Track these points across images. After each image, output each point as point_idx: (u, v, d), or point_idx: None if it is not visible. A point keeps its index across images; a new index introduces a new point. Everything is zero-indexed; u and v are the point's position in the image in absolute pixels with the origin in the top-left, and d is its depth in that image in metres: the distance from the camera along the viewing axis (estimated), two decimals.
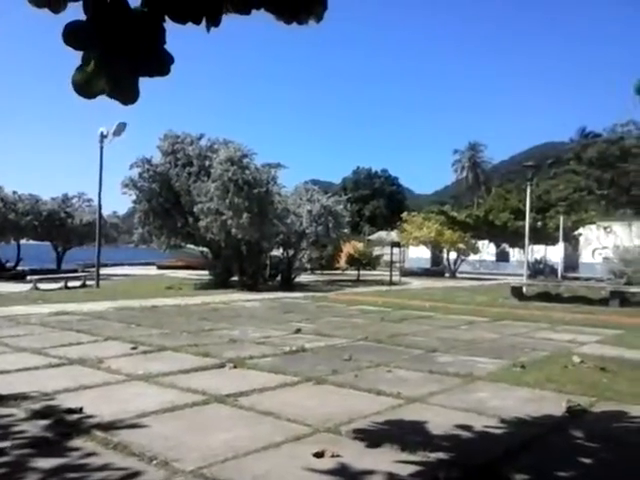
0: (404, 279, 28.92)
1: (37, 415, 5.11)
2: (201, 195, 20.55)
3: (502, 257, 42.57)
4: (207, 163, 21.45)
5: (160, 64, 2.66)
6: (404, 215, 38.13)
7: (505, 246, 39.52)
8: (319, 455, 4.17)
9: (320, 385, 6.44)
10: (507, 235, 34.35)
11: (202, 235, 21.23)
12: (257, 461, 4.14)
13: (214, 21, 2.75)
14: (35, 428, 4.78)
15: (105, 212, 28.68)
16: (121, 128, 22.00)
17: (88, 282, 22.43)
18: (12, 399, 5.57)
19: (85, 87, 2.53)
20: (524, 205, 24.06)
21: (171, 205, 22.03)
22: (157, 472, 3.93)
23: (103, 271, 23.91)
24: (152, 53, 2.62)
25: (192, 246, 25.14)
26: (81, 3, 2.44)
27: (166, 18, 2.55)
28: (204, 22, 2.66)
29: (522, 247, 26.34)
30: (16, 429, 4.76)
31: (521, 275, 24.04)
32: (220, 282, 21.79)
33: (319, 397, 5.97)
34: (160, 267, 35.56)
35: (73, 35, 2.45)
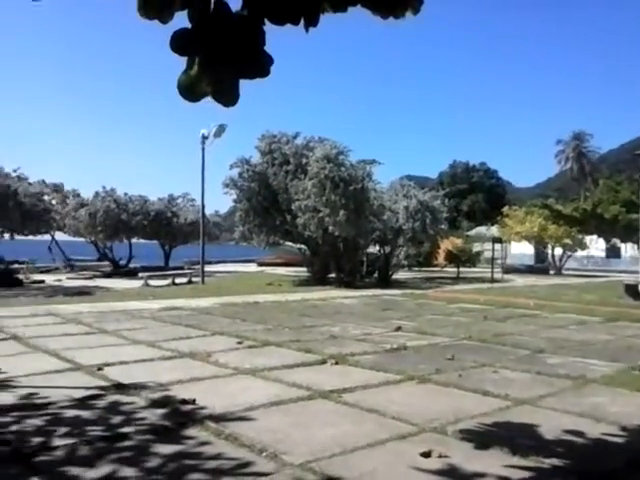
0: (506, 276, 27.96)
1: (155, 404, 5.44)
2: (298, 193, 20.92)
3: (612, 253, 40.12)
4: (303, 161, 21.80)
5: (260, 66, 2.73)
6: (505, 209, 36.81)
7: (616, 241, 37.21)
8: (426, 455, 4.13)
9: (423, 384, 6.38)
10: (618, 229, 32.29)
11: (300, 232, 21.62)
12: (364, 458, 4.16)
13: (312, 21, 2.79)
14: (154, 416, 5.08)
15: (208, 211, 29.91)
16: (221, 130, 22.84)
17: (193, 279, 23.50)
18: (132, 388, 5.96)
19: (189, 91, 2.66)
20: (637, 197, 22.49)
21: (269, 203, 22.61)
22: (267, 464, 4.05)
23: (207, 268, 24.93)
24: (253, 55, 2.70)
25: (290, 243, 25.65)
26: (186, 12, 2.56)
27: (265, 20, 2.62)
28: (302, 22, 2.72)
29: (636, 242, 24.64)
30: (137, 416, 5.09)
31: (635, 272, 22.50)
32: (318, 279, 22.09)
33: (423, 396, 5.91)
34: (260, 264, 36.59)
35: (179, 42, 2.58)
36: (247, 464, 4.04)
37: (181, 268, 29.17)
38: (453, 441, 4.50)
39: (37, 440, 4.48)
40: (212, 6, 2.56)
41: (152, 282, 21.74)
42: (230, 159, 23.11)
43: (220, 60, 2.61)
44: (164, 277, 23.38)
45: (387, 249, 24.01)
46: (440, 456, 4.11)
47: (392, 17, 2.94)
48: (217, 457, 4.16)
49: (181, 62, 2.60)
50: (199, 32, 2.57)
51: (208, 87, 2.66)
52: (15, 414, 5.11)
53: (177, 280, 22.75)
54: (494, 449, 4.30)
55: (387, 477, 3.87)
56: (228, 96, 2.73)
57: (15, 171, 21.64)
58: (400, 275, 25.70)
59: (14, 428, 4.76)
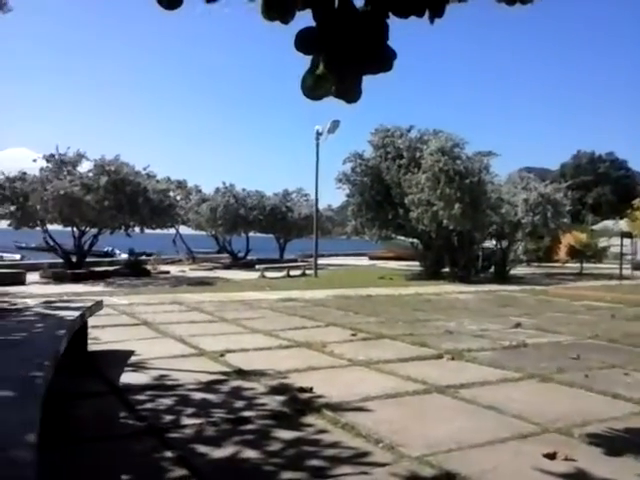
0: (636, 273, 25.95)
1: (274, 391, 5.63)
2: (412, 187, 20.69)
3: None
4: (417, 154, 21.51)
5: (385, 61, 2.71)
6: (636, 202, 34.07)
7: None
8: (550, 456, 3.95)
9: (545, 383, 6.09)
10: None
11: (413, 226, 21.39)
12: (483, 455, 4.06)
13: (438, 12, 2.74)
14: (273, 402, 5.27)
15: (321, 206, 30.40)
16: (335, 125, 23.07)
17: (307, 271, 24.02)
18: (252, 374, 6.21)
19: (313, 89, 2.69)
20: None
21: (382, 197, 22.56)
22: (384, 454, 4.06)
23: (319, 261, 25.38)
24: (377, 51, 2.68)
25: (402, 237, 25.45)
26: (308, 11, 2.59)
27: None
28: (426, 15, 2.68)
29: None
30: (258, 401, 5.31)
31: None
32: (431, 273, 21.75)
33: (545, 395, 5.65)
34: (371, 258, 36.62)
35: (304, 41, 2.62)
36: (364, 454, 4.08)
37: (295, 261, 29.91)
38: (580, 444, 4.27)
39: (169, 418, 4.81)
40: (336, 4, 2.59)
41: (268, 274, 22.49)
42: (342, 154, 23.36)
43: (344, 57, 2.63)
44: (279, 269, 24.10)
45: (504, 243, 23.15)
46: (566, 459, 3.91)
47: (519, 3, 2.84)
48: (335, 445, 4.24)
49: (297, 61, 2.65)
50: (324, 30, 2.60)
51: (332, 85, 2.69)
52: (149, 393, 5.51)
53: (291, 272, 23.37)
54: (627, 456, 4.03)
55: (509, 476, 3.75)
56: (352, 93, 2.76)
57: (145, 169, 23.19)
58: (518, 270, 24.65)
59: (149, 406, 5.14)
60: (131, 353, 7.18)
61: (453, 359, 7.16)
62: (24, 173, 21.45)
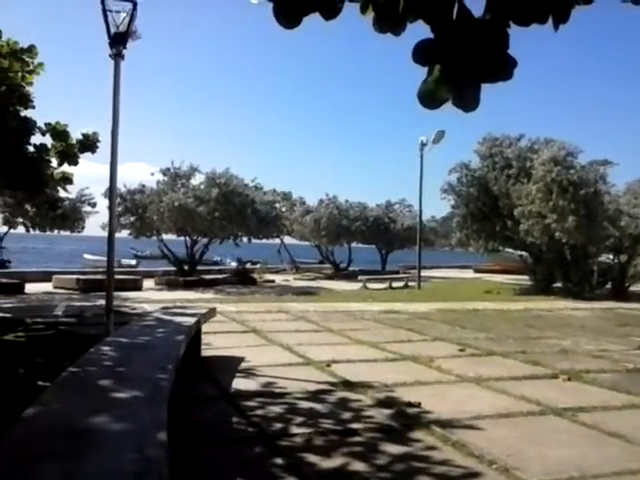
0: None
1: (381, 404, 5.60)
2: (521, 198, 19.88)
3: None
4: (527, 164, 20.65)
5: (505, 69, 2.63)
6: None
7: None
8: None
9: None
10: None
11: (522, 239, 20.52)
12: None
13: (563, 18, 2.62)
14: (380, 415, 5.23)
15: (424, 217, 29.99)
16: (440, 136, 22.74)
17: (410, 283, 23.75)
18: (359, 386, 6.22)
19: (430, 98, 2.66)
20: None
21: (489, 209, 21.85)
22: (498, 477, 3.91)
23: (422, 273, 25.01)
24: (497, 60, 2.61)
25: (510, 250, 24.50)
26: (420, 22, 2.57)
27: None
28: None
29: None
30: (365, 414, 5.29)
31: None
32: (541, 288, 20.75)
33: None
34: (477, 270, 35.61)
35: (422, 53, 2.60)
36: (476, 474, 3.95)
37: (397, 272, 29.67)
38: None
39: (278, 426, 4.91)
40: (454, 15, 2.57)
41: (370, 285, 22.48)
42: (447, 164, 22.92)
43: (463, 67, 2.59)
44: (381, 281, 24.01)
45: (623, 258, 21.63)
46: None
47: None
48: (444, 463, 4.14)
49: (401, 70, 2.63)
50: (442, 42, 2.59)
51: (449, 94, 2.66)
52: (259, 400, 5.66)
53: (394, 284, 23.21)
54: None
55: None
56: (470, 101, 2.71)
57: (252, 181, 24.10)
58: (638, 287, 22.94)
59: (259, 412, 5.27)
60: (241, 360, 7.42)
61: (570, 380, 6.77)
62: (143, 186, 22.97)
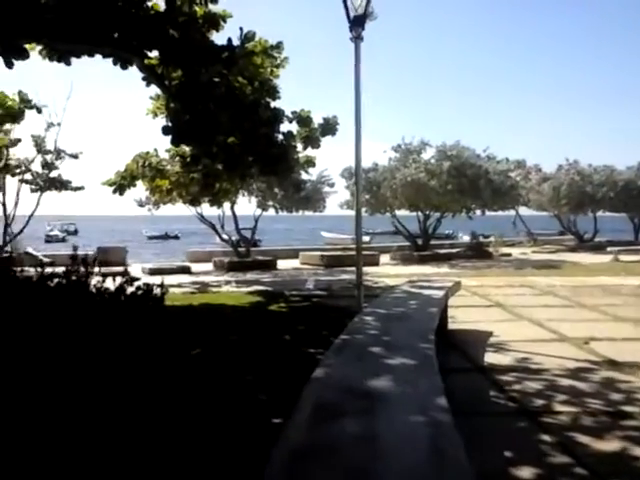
0: None
1: None
2: None
3: None
4: None
5: None
6: None
7: None
8: None
9: None
10: None
11: None
12: None
13: None
14: None
15: None
16: None
17: None
18: (627, 367, 5.69)
19: None
20: None
21: None
22: None
23: None
24: None
25: None
26: None
27: None
28: None
29: None
30: (638, 396, 4.83)
31: None
32: None
33: None
34: None
35: None
36: None
37: None
38: None
39: (539, 402, 4.73)
40: None
41: (622, 257, 20.30)
42: None
43: None
44: (635, 252, 21.52)
45: None
46: None
47: None
48: None
49: None
50: None
51: None
52: (514, 375, 5.52)
53: None
54: None
55: None
56: None
57: (484, 151, 23.34)
58: None
59: (516, 387, 5.14)
60: (489, 334, 7.29)
61: None
62: (376, 164, 23.74)
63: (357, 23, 8.32)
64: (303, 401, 2.59)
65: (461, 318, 8.38)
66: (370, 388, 2.82)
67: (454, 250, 24.14)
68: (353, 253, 19.77)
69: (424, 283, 8.06)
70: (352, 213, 24.94)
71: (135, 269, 15.24)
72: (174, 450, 3.61)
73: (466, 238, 31.44)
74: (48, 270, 4.62)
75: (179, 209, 19.59)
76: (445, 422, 2.31)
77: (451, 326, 7.75)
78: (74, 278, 4.31)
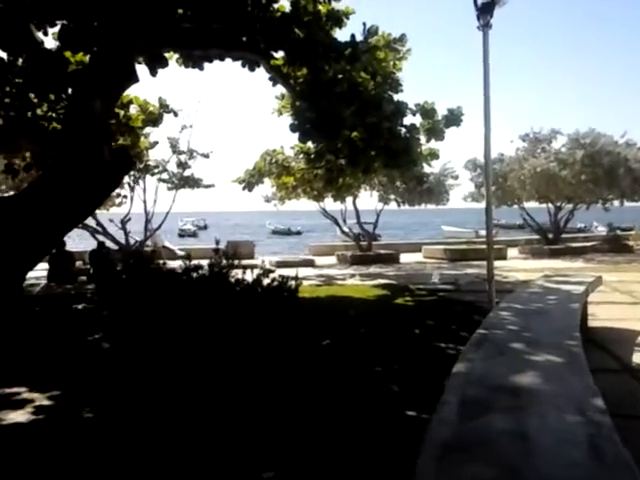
0: None
1: None
2: None
3: None
4: None
5: None
6: None
7: None
8: None
9: None
10: None
11: None
12: None
13: None
14: None
15: None
16: None
17: None
18: None
19: None
20: None
21: None
22: None
23: None
24: None
25: None
26: None
27: None
28: None
29: None
30: None
31: None
32: None
33: None
34: None
35: None
36: None
37: None
38: None
39: None
40: None
41: None
42: None
43: None
44: None
45: None
46: None
47: None
48: None
49: None
50: None
51: None
52: None
53: None
54: None
55: None
56: None
57: (622, 137, 21.60)
58: None
59: None
60: (638, 333, 6.76)
61: None
62: (502, 154, 22.81)
63: (485, 10, 8.05)
64: (447, 395, 2.55)
65: (603, 315, 7.84)
66: (517, 384, 2.72)
67: (589, 244, 22.59)
68: (478, 247, 19.18)
69: (561, 278, 7.63)
70: (477, 206, 24.19)
71: (262, 262, 15.85)
72: (318, 439, 3.71)
73: (601, 230, 29.32)
74: (192, 262, 4.92)
75: (302, 204, 20.12)
76: (604, 423, 2.17)
77: (591, 323, 7.28)
78: (216, 270, 4.56)
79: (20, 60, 7.87)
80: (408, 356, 5.80)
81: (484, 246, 20.14)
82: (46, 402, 4.47)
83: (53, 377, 5.10)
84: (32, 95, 8.56)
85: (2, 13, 6.71)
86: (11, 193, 16.78)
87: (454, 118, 13.67)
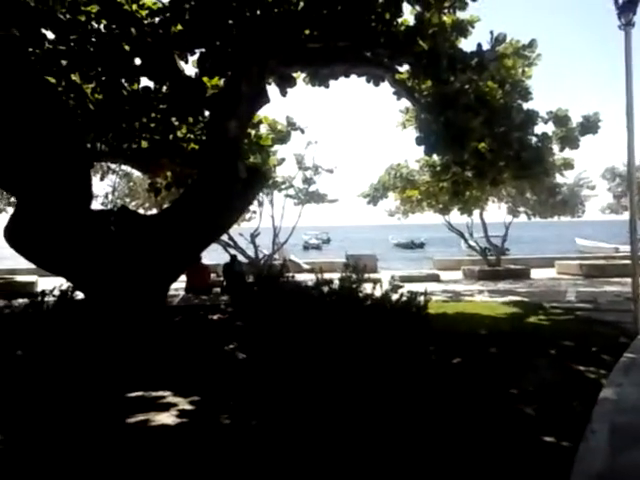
0: None
1: None
2: None
3: None
4: None
5: None
6: None
7: None
8: None
9: None
10: None
11: None
12: None
13: None
14: None
15: None
16: None
17: None
18: None
19: None
20: None
21: None
22: None
23: None
24: None
25: None
26: None
27: None
28: None
29: None
30: None
31: None
32: None
33: None
34: None
35: None
36: None
37: None
38: None
39: None
40: None
41: None
42: None
43: None
44: None
45: None
46: None
47: None
48: None
49: None
50: None
51: None
52: None
53: None
54: None
55: None
56: None
57: None
58: None
59: None
60: None
61: None
62: None
63: (628, 8, 7.53)
64: (595, 423, 2.38)
65: None
66: None
67: None
68: (618, 262, 17.80)
69: None
70: (616, 218, 22.43)
71: (385, 276, 15.80)
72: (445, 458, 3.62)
73: None
74: (322, 276, 5.02)
75: (425, 217, 19.85)
76: None
77: None
78: (346, 285, 4.62)
79: (164, 87, 8.55)
80: (543, 378, 5.48)
81: (626, 261, 18.70)
82: (188, 407, 4.76)
83: (193, 383, 5.42)
84: (173, 119, 9.23)
85: (150, 45, 7.34)
86: (154, 211, 18.21)
87: (590, 125, 12.90)
